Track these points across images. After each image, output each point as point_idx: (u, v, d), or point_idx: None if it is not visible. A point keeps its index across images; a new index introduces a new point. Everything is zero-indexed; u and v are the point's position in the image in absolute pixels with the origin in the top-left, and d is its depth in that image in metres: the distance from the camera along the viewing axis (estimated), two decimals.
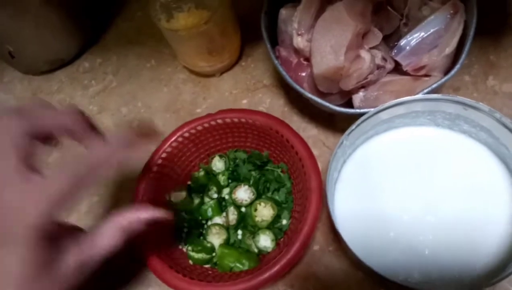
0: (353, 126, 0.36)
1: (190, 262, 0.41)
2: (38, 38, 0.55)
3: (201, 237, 0.42)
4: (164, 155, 0.43)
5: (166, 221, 0.35)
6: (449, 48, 0.39)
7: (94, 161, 0.29)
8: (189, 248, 0.42)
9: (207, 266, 0.41)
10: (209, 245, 0.42)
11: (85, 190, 0.28)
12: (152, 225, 0.34)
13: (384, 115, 0.38)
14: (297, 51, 0.43)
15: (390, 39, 0.44)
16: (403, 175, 0.39)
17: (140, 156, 0.30)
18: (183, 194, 0.44)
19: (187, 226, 0.43)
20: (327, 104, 0.40)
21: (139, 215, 0.33)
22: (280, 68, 0.42)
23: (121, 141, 0.30)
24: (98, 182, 0.29)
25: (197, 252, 0.41)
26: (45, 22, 0.54)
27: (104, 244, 0.31)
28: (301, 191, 0.41)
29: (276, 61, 0.42)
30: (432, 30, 0.40)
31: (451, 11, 0.39)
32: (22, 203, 0.26)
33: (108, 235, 0.31)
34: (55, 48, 0.58)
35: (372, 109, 0.37)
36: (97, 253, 0.30)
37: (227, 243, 0.42)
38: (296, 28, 0.42)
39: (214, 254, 0.41)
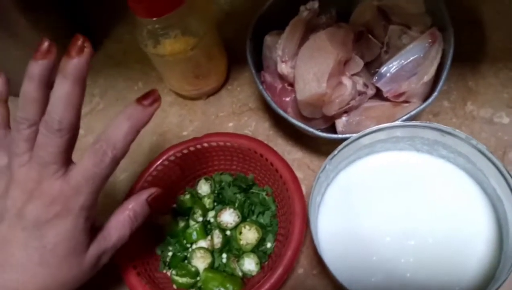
0: (336, 151, 0.37)
1: (174, 286, 0.41)
2: (25, 61, 0.54)
3: (186, 261, 0.42)
4: (149, 178, 0.43)
5: (161, 195, 0.37)
6: (428, 76, 0.41)
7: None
8: (173, 272, 0.41)
9: None
10: (193, 269, 0.41)
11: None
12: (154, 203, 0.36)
13: (365, 140, 0.39)
14: (282, 77, 0.44)
15: (372, 66, 0.46)
16: (385, 198, 0.40)
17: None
18: (168, 217, 0.44)
19: (172, 249, 0.43)
20: (311, 129, 0.40)
21: (140, 197, 0.35)
22: (265, 94, 0.43)
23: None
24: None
25: (181, 276, 0.41)
26: (32, 44, 0.54)
27: (115, 237, 0.33)
28: (285, 214, 0.41)
29: (260, 86, 0.43)
30: (411, 58, 0.41)
31: (430, 40, 0.41)
32: (77, 185, 0.29)
33: (116, 228, 0.33)
34: None
35: (354, 135, 0.38)
36: (110, 246, 0.33)
37: (211, 267, 0.42)
38: (280, 55, 0.43)
39: (198, 278, 0.41)
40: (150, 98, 0.31)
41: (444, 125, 0.36)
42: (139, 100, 0.30)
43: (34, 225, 0.29)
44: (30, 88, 0.29)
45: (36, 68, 0.29)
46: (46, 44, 0.29)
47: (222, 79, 0.54)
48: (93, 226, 0.32)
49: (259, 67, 0.47)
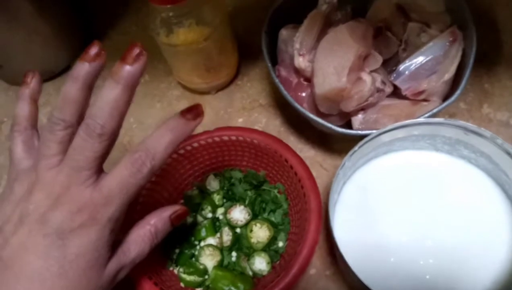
0: (356, 147, 0.36)
1: (182, 284, 0.39)
2: (28, 49, 0.53)
3: (193, 259, 0.41)
4: (157, 172, 0.41)
5: (186, 214, 0.36)
6: (448, 74, 0.40)
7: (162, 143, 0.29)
8: (181, 270, 0.40)
9: (199, 289, 0.39)
10: (201, 267, 0.40)
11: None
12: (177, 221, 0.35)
13: (385, 138, 0.38)
14: (297, 71, 0.43)
15: (388, 64, 0.45)
16: (402, 198, 0.39)
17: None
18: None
19: (179, 246, 0.41)
20: (329, 125, 0.39)
21: (163, 214, 0.34)
22: (281, 87, 0.41)
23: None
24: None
25: (189, 274, 0.39)
26: (36, 33, 0.53)
27: (134, 252, 0.31)
28: (299, 212, 0.40)
29: (276, 80, 0.42)
30: (431, 56, 0.40)
31: (450, 39, 0.40)
32: (109, 195, 0.28)
33: (136, 243, 0.32)
34: (45, 59, 0.56)
35: (374, 131, 0.36)
36: (129, 261, 0.31)
37: (221, 265, 0.40)
38: (298, 48, 0.42)
39: (206, 276, 0.40)
40: (194, 112, 0.30)
41: (468, 123, 0.35)
42: (183, 114, 0.30)
43: (57, 233, 0.27)
44: (72, 88, 0.28)
45: (83, 69, 0.28)
46: (97, 47, 0.28)
47: (232, 74, 0.53)
48: (115, 241, 0.30)
49: (273, 61, 0.46)
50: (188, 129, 0.30)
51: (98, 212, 0.27)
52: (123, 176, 0.28)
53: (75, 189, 0.27)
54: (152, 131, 0.29)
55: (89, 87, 0.28)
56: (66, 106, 0.28)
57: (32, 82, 0.32)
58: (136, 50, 0.27)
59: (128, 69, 0.27)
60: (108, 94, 0.27)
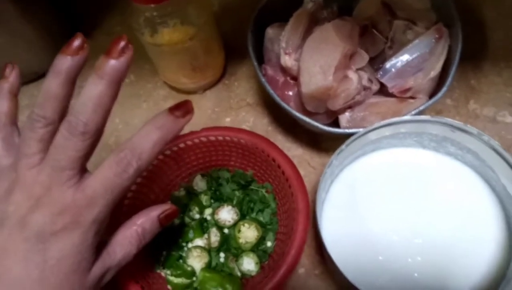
0: (343, 146, 0.35)
1: (169, 287, 0.39)
2: (11, 50, 0.52)
3: (181, 260, 0.40)
4: (144, 173, 0.41)
5: (176, 214, 0.34)
6: (434, 72, 0.40)
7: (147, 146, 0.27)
8: (168, 272, 0.39)
9: None
10: (189, 268, 0.39)
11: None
12: (166, 221, 0.33)
13: (372, 136, 0.38)
14: (284, 70, 0.43)
15: (375, 62, 0.44)
16: (390, 196, 0.39)
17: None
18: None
19: (166, 248, 0.41)
20: (316, 123, 0.39)
21: (151, 214, 0.32)
22: (268, 87, 0.41)
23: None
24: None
25: (177, 276, 0.39)
26: (20, 35, 0.52)
27: (120, 254, 0.30)
28: (287, 212, 0.39)
29: (263, 79, 0.42)
30: (417, 54, 0.40)
31: (436, 36, 0.40)
32: (92, 196, 0.26)
33: (122, 244, 0.30)
34: (29, 61, 0.55)
35: (361, 129, 0.36)
36: (114, 264, 0.30)
37: (208, 267, 0.40)
38: (284, 47, 0.41)
39: (194, 278, 0.39)
40: (183, 108, 0.29)
41: (455, 120, 0.35)
42: (171, 110, 0.28)
43: (37, 237, 0.25)
44: (53, 83, 0.26)
45: (65, 63, 0.26)
46: (79, 40, 0.26)
47: (219, 73, 0.52)
48: (100, 242, 0.29)
49: (259, 60, 0.45)
50: (177, 127, 0.28)
51: (81, 214, 0.26)
52: (107, 177, 0.26)
53: (56, 190, 0.26)
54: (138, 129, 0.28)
55: (72, 82, 0.27)
56: (47, 102, 0.26)
57: (11, 76, 0.31)
58: (122, 43, 0.26)
59: (112, 63, 0.25)
60: (92, 90, 0.25)
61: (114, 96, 0.26)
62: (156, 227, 0.32)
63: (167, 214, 0.33)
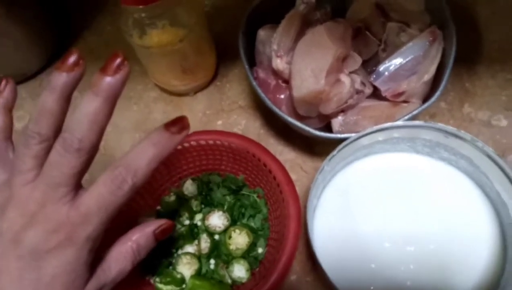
0: (335, 152, 0.35)
1: None
2: None
3: (171, 267, 0.40)
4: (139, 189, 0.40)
5: (171, 229, 0.34)
6: (428, 75, 0.39)
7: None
8: (157, 279, 0.39)
9: None
10: (179, 276, 0.39)
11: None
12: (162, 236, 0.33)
13: (365, 141, 0.37)
14: (276, 73, 0.42)
15: (368, 64, 0.44)
16: (383, 202, 0.38)
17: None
18: (152, 220, 0.41)
19: (155, 255, 0.40)
20: (307, 128, 0.38)
21: (146, 229, 0.32)
22: (259, 90, 0.40)
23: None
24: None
25: (166, 283, 0.38)
26: (7, 36, 0.51)
27: (115, 271, 0.29)
28: (278, 217, 0.39)
29: (254, 83, 0.41)
30: (410, 57, 0.40)
31: (430, 38, 0.40)
32: (87, 213, 0.26)
33: (117, 260, 0.30)
34: (17, 62, 0.54)
35: (353, 134, 0.36)
36: (109, 280, 0.29)
37: (198, 274, 0.39)
38: (275, 50, 0.41)
39: (184, 286, 0.39)
40: (179, 125, 0.28)
41: (448, 126, 0.34)
42: (167, 126, 0.28)
43: (31, 254, 0.25)
44: (49, 99, 0.26)
45: (60, 80, 0.26)
46: (75, 56, 0.26)
47: (210, 75, 0.51)
48: (94, 258, 0.29)
49: (251, 62, 0.45)
50: (172, 143, 0.28)
51: (75, 232, 0.26)
52: (102, 194, 0.26)
53: (51, 207, 0.25)
54: (132, 145, 0.27)
55: (67, 99, 0.27)
56: (42, 119, 0.26)
57: (6, 90, 0.30)
58: (118, 60, 0.25)
59: (108, 80, 0.25)
60: (87, 107, 0.25)
61: (109, 113, 0.26)
62: (151, 243, 0.32)
63: (163, 229, 0.33)
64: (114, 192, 0.26)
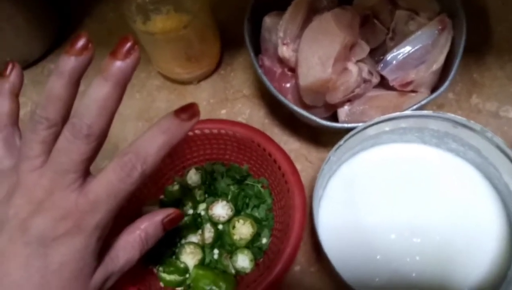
0: (341, 142, 0.34)
1: (161, 284, 0.38)
2: (0, 38, 0.50)
3: (174, 257, 0.39)
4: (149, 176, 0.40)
5: (180, 218, 0.33)
6: (437, 64, 0.39)
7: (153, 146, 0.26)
8: (160, 268, 0.38)
9: (179, 288, 0.38)
10: (182, 265, 0.38)
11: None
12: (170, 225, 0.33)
13: (371, 131, 0.36)
14: (281, 61, 0.41)
15: (375, 53, 0.43)
16: (389, 193, 0.38)
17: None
18: (156, 209, 0.41)
19: (159, 244, 0.40)
20: (314, 117, 0.38)
21: (155, 218, 0.32)
22: (264, 78, 0.39)
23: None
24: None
25: (169, 273, 0.38)
26: (8, 21, 0.50)
27: (123, 260, 0.29)
28: (283, 208, 0.38)
29: (259, 70, 0.40)
30: (419, 46, 0.39)
31: (439, 27, 0.39)
32: (96, 201, 0.26)
33: (125, 249, 0.29)
34: (18, 48, 0.53)
35: (360, 124, 0.35)
36: (117, 269, 0.29)
37: (202, 264, 0.39)
38: (281, 37, 0.40)
39: (187, 275, 0.38)
40: (189, 111, 0.27)
41: (457, 116, 0.34)
42: (177, 113, 0.27)
43: (39, 241, 0.25)
44: (57, 84, 0.25)
45: (69, 64, 0.25)
46: (83, 39, 0.25)
47: (214, 63, 0.51)
48: (102, 247, 0.28)
49: (257, 50, 0.44)
50: (182, 130, 0.27)
51: (84, 220, 0.25)
52: (111, 181, 0.26)
53: (59, 194, 0.25)
54: (136, 133, 0.27)
55: (75, 83, 0.26)
56: (50, 104, 0.26)
57: (12, 75, 0.30)
58: (128, 44, 0.25)
59: (118, 65, 0.25)
60: (97, 92, 0.25)
61: (119, 99, 0.26)
62: (159, 232, 0.32)
63: (171, 218, 0.32)
64: (123, 179, 0.25)
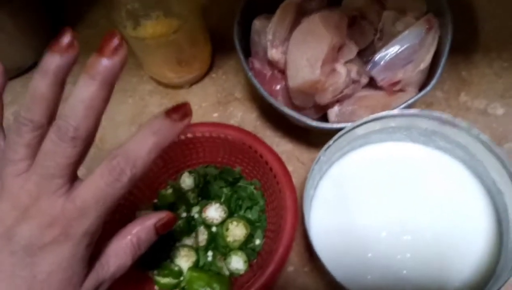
0: (331, 142, 0.35)
1: (156, 287, 0.38)
2: None
3: (168, 260, 0.40)
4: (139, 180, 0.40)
5: (173, 222, 0.32)
6: (424, 64, 0.39)
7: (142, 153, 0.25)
8: (155, 272, 0.39)
9: None
10: (176, 268, 0.39)
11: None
12: (163, 230, 0.32)
13: (360, 131, 0.37)
14: (271, 63, 0.42)
15: (364, 54, 0.43)
16: (379, 192, 0.38)
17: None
18: (149, 213, 0.41)
19: (153, 247, 0.40)
20: (303, 118, 0.38)
21: (147, 222, 0.30)
22: (255, 81, 0.40)
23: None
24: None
25: (164, 276, 0.38)
26: (0, 30, 0.50)
27: (114, 266, 0.28)
28: (275, 209, 0.39)
29: (249, 73, 0.41)
30: (406, 45, 0.39)
31: (426, 26, 0.39)
32: (83, 206, 0.24)
33: (117, 255, 0.28)
34: (11, 56, 0.53)
35: (349, 124, 0.36)
36: (108, 276, 0.28)
37: (196, 266, 0.39)
38: (270, 40, 0.40)
39: (182, 278, 0.39)
40: (181, 111, 0.26)
41: (443, 114, 0.34)
42: (168, 113, 0.26)
43: (25, 250, 0.24)
44: (41, 84, 0.24)
45: (53, 62, 0.24)
46: (68, 36, 0.24)
47: (206, 67, 0.51)
48: (92, 253, 0.27)
49: (247, 53, 0.44)
50: (174, 131, 0.26)
51: (72, 226, 0.24)
52: (99, 186, 0.24)
53: (45, 199, 0.24)
54: (132, 133, 0.25)
55: (61, 83, 0.25)
56: (34, 105, 0.24)
57: None
58: (115, 41, 0.24)
59: (105, 63, 0.23)
60: (83, 92, 0.23)
61: (106, 99, 0.25)
62: (152, 236, 0.31)
63: (164, 222, 0.31)
64: (112, 184, 0.24)
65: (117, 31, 0.24)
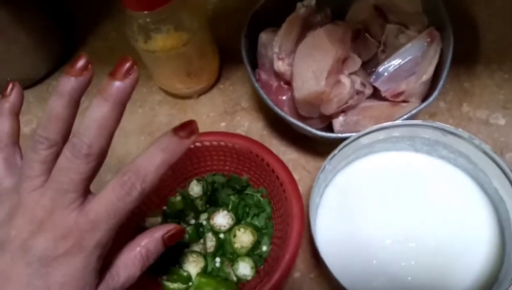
0: (336, 151, 0.36)
1: None
2: (6, 57, 0.52)
3: (177, 266, 0.40)
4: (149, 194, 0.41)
5: (180, 234, 0.34)
6: (426, 75, 0.40)
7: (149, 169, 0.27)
8: (164, 277, 0.40)
9: None
10: (185, 273, 0.40)
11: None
12: (170, 241, 0.33)
13: (365, 140, 0.38)
14: (278, 75, 0.43)
15: (368, 66, 0.45)
16: (383, 200, 0.39)
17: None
18: (158, 219, 0.42)
19: (162, 253, 0.41)
20: (309, 128, 0.39)
21: (156, 234, 0.32)
22: (261, 92, 0.41)
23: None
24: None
25: (173, 281, 0.39)
26: (14, 42, 0.52)
27: (124, 277, 0.29)
28: (281, 216, 0.40)
29: (256, 84, 0.42)
30: (409, 58, 0.41)
31: (428, 39, 0.40)
32: (95, 219, 0.26)
33: (126, 266, 0.29)
34: (25, 67, 0.55)
35: (354, 134, 0.37)
36: (118, 287, 0.29)
37: (204, 272, 0.40)
38: (277, 52, 0.42)
39: (190, 283, 0.39)
40: (188, 129, 0.28)
41: (446, 124, 0.35)
42: (176, 131, 0.27)
43: (40, 261, 0.25)
44: (57, 104, 0.26)
45: (69, 84, 0.26)
46: (83, 60, 0.26)
47: (214, 78, 0.52)
48: (103, 264, 0.28)
49: (253, 65, 0.46)
50: (181, 148, 0.28)
51: (84, 239, 0.26)
52: (110, 200, 0.26)
53: (59, 213, 0.25)
54: (139, 149, 0.27)
55: (75, 103, 0.27)
56: (50, 124, 0.26)
57: (12, 94, 0.30)
58: (127, 65, 0.26)
59: (118, 85, 0.25)
60: (96, 112, 0.25)
61: (118, 118, 0.26)
62: (160, 248, 0.32)
63: (172, 234, 0.33)
64: (123, 198, 0.26)
65: (130, 57, 0.26)
